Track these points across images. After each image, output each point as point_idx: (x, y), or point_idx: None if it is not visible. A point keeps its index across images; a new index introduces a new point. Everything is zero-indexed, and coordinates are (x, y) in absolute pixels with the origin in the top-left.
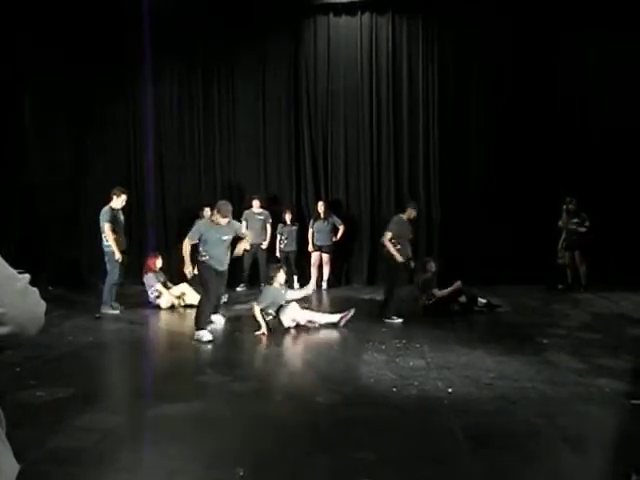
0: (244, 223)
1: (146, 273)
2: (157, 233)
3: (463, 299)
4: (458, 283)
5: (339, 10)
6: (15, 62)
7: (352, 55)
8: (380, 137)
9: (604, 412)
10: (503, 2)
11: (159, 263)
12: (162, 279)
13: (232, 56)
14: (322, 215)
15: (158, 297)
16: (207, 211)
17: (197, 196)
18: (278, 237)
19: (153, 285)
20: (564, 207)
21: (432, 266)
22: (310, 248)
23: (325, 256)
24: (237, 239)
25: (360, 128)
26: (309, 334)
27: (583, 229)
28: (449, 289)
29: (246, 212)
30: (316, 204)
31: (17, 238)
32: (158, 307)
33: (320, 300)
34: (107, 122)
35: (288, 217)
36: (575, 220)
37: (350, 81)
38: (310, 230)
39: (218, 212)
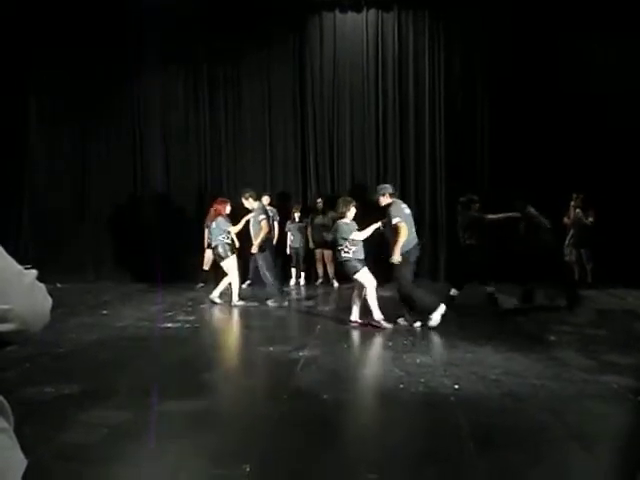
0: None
1: (216, 217)
2: (163, 233)
3: (491, 289)
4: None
5: (345, 7)
6: (19, 61)
7: (358, 52)
8: (386, 133)
9: (612, 409)
10: None
11: (228, 209)
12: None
13: (238, 53)
14: (320, 211)
15: (227, 239)
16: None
17: (203, 194)
18: (288, 234)
19: (226, 228)
20: (571, 204)
21: (477, 207)
22: (311, 245)
23: (327, 253)
24: None
25: (366, 124)
26: (314, 331)
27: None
28: (501, 215)
29: None
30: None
31: (22, 234)
32: (221, 257)
33: (328, 296)
34: (112, 122)
35: (297, 214)
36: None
37: (356, 78)
38: (309, 227)
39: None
